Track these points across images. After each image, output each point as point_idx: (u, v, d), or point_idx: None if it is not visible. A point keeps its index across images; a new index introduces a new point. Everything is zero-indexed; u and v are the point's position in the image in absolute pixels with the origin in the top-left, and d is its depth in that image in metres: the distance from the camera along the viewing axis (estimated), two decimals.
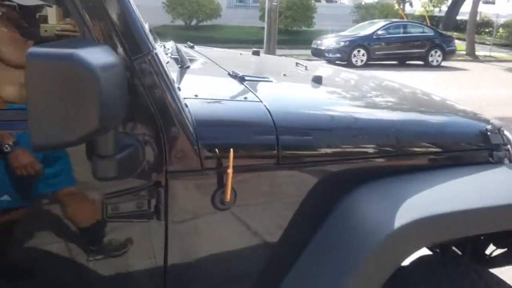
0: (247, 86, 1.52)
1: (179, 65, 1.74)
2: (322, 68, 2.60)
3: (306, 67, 2.07)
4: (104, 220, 1.13)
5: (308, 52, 16.24)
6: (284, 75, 1.84)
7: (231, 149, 1.18)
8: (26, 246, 1.13)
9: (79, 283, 1.20)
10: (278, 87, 1.66)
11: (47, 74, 0.82)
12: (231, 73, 1.67)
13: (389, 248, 1.22)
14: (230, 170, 1.18)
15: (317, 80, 1.74)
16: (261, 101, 1.37)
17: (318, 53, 15.47)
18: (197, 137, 1.18)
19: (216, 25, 20.54)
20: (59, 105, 0.84)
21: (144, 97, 1.09)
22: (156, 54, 1.11)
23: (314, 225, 1.36)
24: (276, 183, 1.30)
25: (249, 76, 1.62)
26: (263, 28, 14.80)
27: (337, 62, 14.29)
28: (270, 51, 13.67)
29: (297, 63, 2.20)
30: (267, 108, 1.33)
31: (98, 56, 0.88)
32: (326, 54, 15.08)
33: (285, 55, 13.55)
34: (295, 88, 1.68)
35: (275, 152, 1.28)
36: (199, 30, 19.87)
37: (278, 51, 14.44)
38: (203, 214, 1.23)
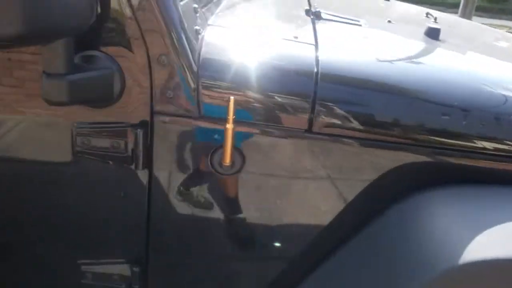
0: (314, 24, 1.16)
1: None
2: (462, 24, 2.00)
3: (435, 18, 1.56)
4: (73, 153, 0.95)
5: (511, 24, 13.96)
6: (389, 21, 1.39)
7: (232, 98, 0.88)
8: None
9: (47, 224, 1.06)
10: (359, 33, 1.23)
11: None
12: (310, 9, 1.31)
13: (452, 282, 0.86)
14: (229, 126, 0.89)
15: (432, 34, 1.27)
16: (315, 45, 1.02)
17: None
18: (200, 73, 0.91)
19: None
20: None
21: (126, 10, 0.85)
22: None
23: (348, 222, 1.01)
24: (305, 156, 0.97)
25: (330, 15, 1.25)
26: None
27: None
28: (466, 17, 12.04)
29: (427, 13, 1.69)
30: (317, 55, 0.98)
31: None
32: None
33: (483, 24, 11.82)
34: (385, 38, 1.24)
35: (308, 114, 0.93)
36: None
37: (475, 19, 12.65)
38: (198, 173, 0.98)
